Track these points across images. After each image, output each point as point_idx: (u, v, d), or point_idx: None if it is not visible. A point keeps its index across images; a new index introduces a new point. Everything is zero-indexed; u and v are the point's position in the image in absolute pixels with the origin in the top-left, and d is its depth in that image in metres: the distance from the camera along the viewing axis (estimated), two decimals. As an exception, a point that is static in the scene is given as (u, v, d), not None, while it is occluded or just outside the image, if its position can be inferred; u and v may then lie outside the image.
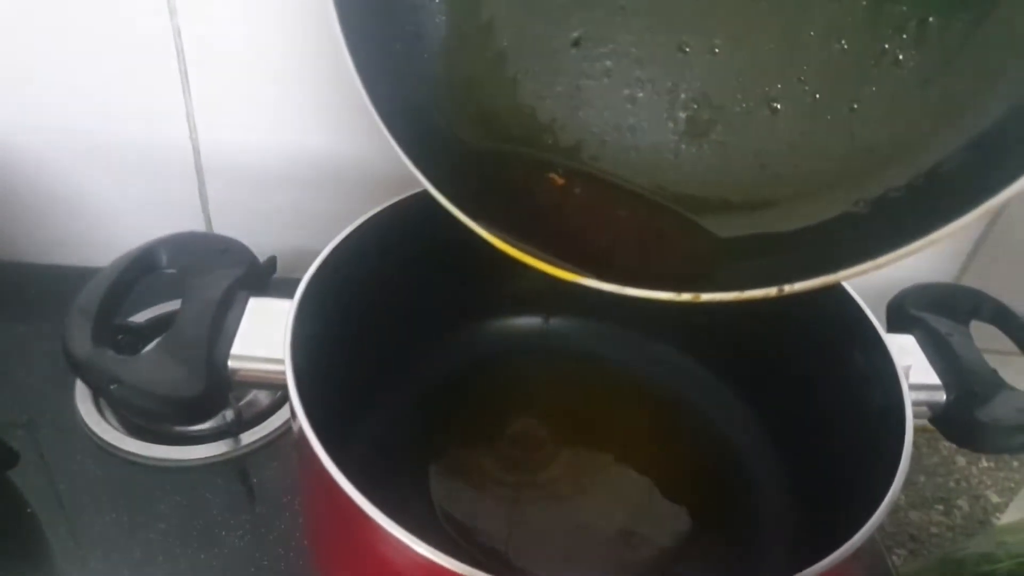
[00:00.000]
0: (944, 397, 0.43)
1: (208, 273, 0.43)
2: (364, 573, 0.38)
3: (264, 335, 0.41)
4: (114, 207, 0.66)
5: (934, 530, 0.70)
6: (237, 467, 0.56)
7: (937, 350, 0.45)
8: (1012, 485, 0.72)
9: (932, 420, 0.44)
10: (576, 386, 0.57)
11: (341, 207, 0.45)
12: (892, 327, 0.47)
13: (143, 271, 0.43)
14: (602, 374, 0.58)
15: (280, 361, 0.39)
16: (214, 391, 0.39)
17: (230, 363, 0.41)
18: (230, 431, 0.57)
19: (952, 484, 0.73)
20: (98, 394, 0.41)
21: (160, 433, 0.56)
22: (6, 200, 0.65)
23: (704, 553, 0.48)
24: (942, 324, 0.46)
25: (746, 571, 0.47)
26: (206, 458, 0.55)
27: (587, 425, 0.54)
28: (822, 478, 0.46)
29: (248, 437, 0.57)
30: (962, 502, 0.71)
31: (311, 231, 0.43)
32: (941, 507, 0.71)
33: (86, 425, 0.56)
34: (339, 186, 0.64)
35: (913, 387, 0.42)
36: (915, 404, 0.41)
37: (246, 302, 0.43)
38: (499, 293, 0.56)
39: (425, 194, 0.47)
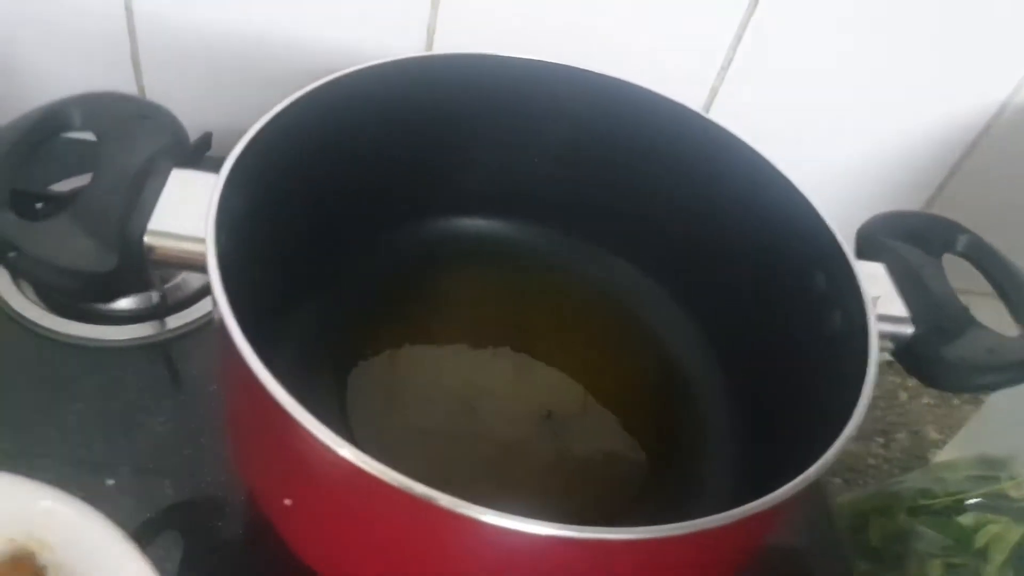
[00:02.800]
0: (911, 330, 0.41)
1: (129, 139, 0.39)
2: (282, 473, 0.36)
3: (187, 210, 0.37)
4: (41, 70, 0.60)
5: (871, 461, 0.70)
6: (161, 351, 0.53)
7: (907, 281, 0.43)
8: (952, 423, 0.72)
9: (895, 353, 0.42)
10: (518, 294, 0.54)
11: (282, 85, 0.41)
12: (861, 254, 0.45)
13: (53, 130, 0.38)
14: (546, 283, 0.55)
15: (202, 240, 0.35)
16: (126, 268, 0.36)
17: (147, 239, 0.37)
18: (156, 314, 0.53)
19: (893, 418, 0.73)
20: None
21: (80, 310, 0.52)
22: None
23: (647, 480, 0.46)
24: (914, 255, 0.44)
25: (691, 500, 0.45)
26: (129, 340, 0.52)
27: (526, 334, 0.52)
28: (776, 406, 0.45)
29: (174, 321, 0.54)
30: (902, 436, 0.72)
31: (249, 110, 0.39)
32: (881, 439, 0.71)
33: (2, 299, 0.52)
34: (279, 63, 0.60)
35: (879, 318, 0.40)
36: (880, 336, 0.39)
37: (168, 173, 0.38)
38: (444, 189, 0.53)
39: (368, 72, 0.44)
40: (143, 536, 0.43)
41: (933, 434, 0.72)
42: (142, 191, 0.38)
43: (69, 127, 0.39)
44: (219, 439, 0.48)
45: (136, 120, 0.40)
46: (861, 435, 0.71)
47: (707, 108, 0.61)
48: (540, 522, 0.28)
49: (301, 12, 0.58)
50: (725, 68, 0.59)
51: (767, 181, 0.45)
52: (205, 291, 0.55)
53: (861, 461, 0.71)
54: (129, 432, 0.48)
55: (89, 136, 0.40)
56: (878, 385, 0.73)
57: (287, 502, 0.35)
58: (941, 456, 0.69)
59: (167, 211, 0.38)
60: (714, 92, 0.60)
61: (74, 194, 0.55)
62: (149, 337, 0.53)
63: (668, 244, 0.52)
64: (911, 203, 0.66)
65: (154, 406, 0.49)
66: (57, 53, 0.60)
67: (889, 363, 0.43)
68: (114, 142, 0.39)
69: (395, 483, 0.28)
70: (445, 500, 0.28)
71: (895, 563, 0.52)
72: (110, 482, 0.45)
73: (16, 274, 0.35)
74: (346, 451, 0.29)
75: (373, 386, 0.48)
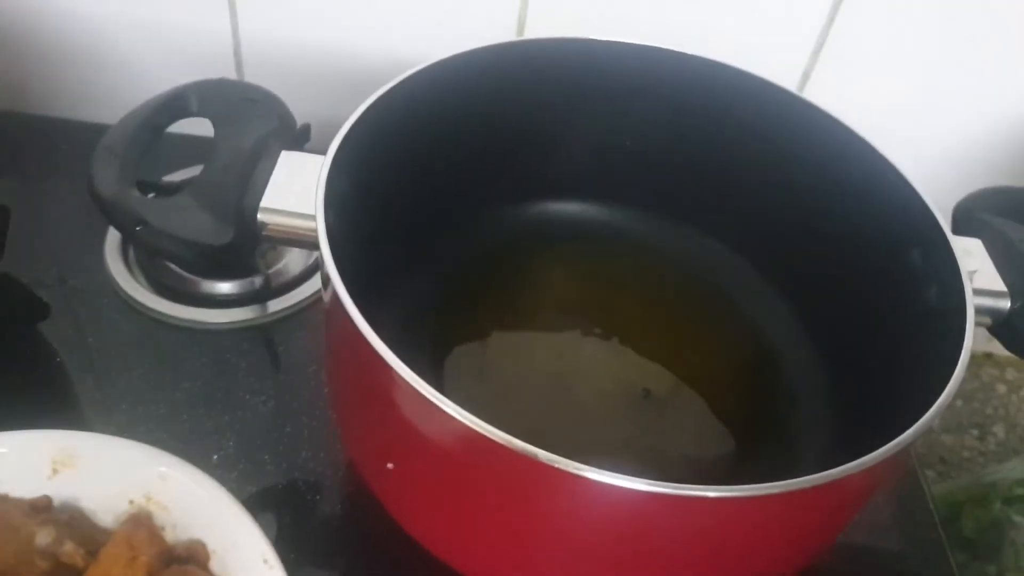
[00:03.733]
0: (1008, 305, 0.41)
1: (240, 122, 0.41)
2: (385, 436, 0.37)
3: (296, 189, 0.39)
4: (146, 62, 0.64)
5: (966, 454, 0.69)
6: (263, 334, 0.55)
7: (1005, 256, 0.42)
8: (1050, 414, 0.70)
9: (992, 328, 0.42)
10: (611, 276, 0.55)
11: (377, 79, 0.43)
12: (958, 230, 0.44)
13: (173, 115, 0.41)
14: (639, 265, 0.55)
15: (311, 217, 0.37)
16: (242, 242, 0.38)
17: (259, 216, 0.39)
18: (258, 297, 0.56)
19: (990, 411, 0.71)
20: (124, 236, 0.40)
21: (188, 294, 0.55)
22: (32, 52, 0.64)
23: (740, 459, 0.47)
24: (1012, 229, 0.43)
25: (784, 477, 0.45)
26: (233, 322, 0.54)
27: (619, 316, 0.52)
28: (870, 384, 0.44)
29: (275, 305, 0.56)
30: (998, 429, 0.70)
31: (346, 103, 0.41)
32: (976, 432, 0.70)
33: (115, 283, 0.55)
34: (370, 60, 0.62)
35: (976, 292, 0.39)
36: (977, 311, 0.38)
37: (278, 154, 0.41)
38: (538, 173, 0.54)
39: (461, 58, 0.46)
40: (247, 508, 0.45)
41: None
42: (254, 171, 0.40)
43: (187, 112, 0.42)
44: (318, 418, 0.50)
45: (247, 104, 0.42)
46: (956, 427, 0.70)
47: (800, 91, 0.61)
48: (639, 479, 0.29)
49: (390, 9, 0.60)
50: (817, 51, 0.58)
51: (862, 158, 0.45)
52: (304, 276, 0.58)
53: (955, 454, 0.69)
54: (233, 410, 0.50)
55: (202, 125, 0.42)
56: (975, 377, 0.71)
57: (389, 466, 0.37)
58: (1040, 446, 0.67)
59: (278, 190, 0.39)
60: (806, 76, 0.60)
61: (187, 182, 0.59)
62: (251, 320, 0.55)
63: (762, 223, 0.52)
64: (1010, 182, 0.64)
65: (257, 385, 0.52)
66: (162, 57, 0.63)
67: (987, 355, 0.42)
68: (227, 125, 0.41)
69: (496, 438, 0.30)
70: (545, 455, 0.29)
71: (991, 553, 0.51)
72: (215, 457, 0.48)
73: (143, 246, 0.37)
74: (448, 407, 0.30)
75: (470, 365, 0.49)
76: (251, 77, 0.64)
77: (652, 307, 0.53)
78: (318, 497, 0.47)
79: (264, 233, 0.39)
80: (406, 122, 0.44)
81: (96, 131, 0.40)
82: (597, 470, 0.29)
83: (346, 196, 0.40)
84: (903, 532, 0.51)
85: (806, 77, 0.60)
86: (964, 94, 0.60)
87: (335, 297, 0.34)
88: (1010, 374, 0.64)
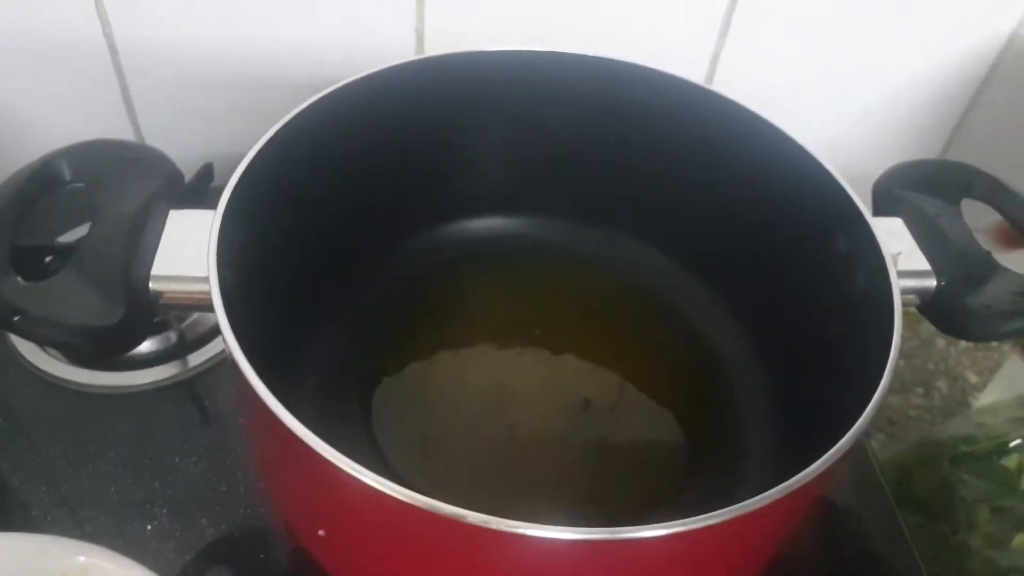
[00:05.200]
0: (934, 283, 0.40)
1: (121, 184, 0.39)
2: (312, 505, 0.35)
3: (189, 251, 0.36)
4: (31, 117, 0.60)
5: (912, 413, 0.69)
6: (187, 390, 0.52)
7: (926, 233, 0.41)
8: (991, 365, 0.70)
9: (920, 308, 0.41)
10: (540, 289, 0.53)
11: (278, 103, 0.40)
12: (879, 210, 0.44)
13: (44, 187, 0.38)
14: (567, 274, 0.54)
15: (206, 279, 0.34)
16: (135, 317, 0.35)
17: (152, 285, 0.36)
18: (176, 353, 0.53)
19: (931, 366, 0.71)
20: (2, 328, 0.38)
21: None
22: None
23: (688, 460, 0.46)
24: (931, 204, 0.43)
25: (734, 477, 0.45)
26: (153, 383, 0.51)
27: (553, 328, 0.51)
28: (808, 375, 0.44)
29: (196, 358, 0.53)
30: (941, 383, 0.70)
31: (249, 132, 0.39)
32: (920, 390, 0.70)
33: (19, 355, 0.52)
34: (271, 81, 0.59)
35: (902, 274, 0.38)
36: (903, 292, 0.38)
37: (166, 215, 0.38)
38: (453, 192, 0.52)
39: (360, 83, 0.43)
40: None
41: (973, 378, 0.70)
42: (142, 236, 0.37)
43: (60, 181, 0.39)
44: (254, 472, 0.48)
45: (127, 164, 0.40)
46: (900, 388, 0.70)
47: (710, 78, 0.60)
48: (572, 528, 0.28)
49: (286, 26, 0.57)
50: (724, 33, 0.57)
51: (777, 147, 0.44)
52: (222, 325, 0.55)
53: (902, 414, 0.70)
54: (163, 475, 0.47)
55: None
56: (915, 335, 0.72)
57: (321, 533, 0.35)
58: (981, 400, 0.67)
59: (170, 254, 0.37)
60: (715, 59, 0.59)
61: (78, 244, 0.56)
62: (172, 377, 0.52)
63: (684, 221, 0.51)
64: (928, 152, 0.64)
65: (186, 446, 0.49)
66: (46, 103, 0.60)
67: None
68: (107, 190, 0.38)
69: (422, 505, 0.28)
70: (474, 517, 0.28)
71: (943, 513, 0.51)
72: (149, 527, 0.45)
73: (26, 337, 0.34)
74: (368, 478, 0.29)
75: (401, 399, 0.47)
76: (144, 122, 0.61)
77: (584, 316, 0.52)
78: (262, 556, 0.45)
79: (161, 303, 0.37)
80: (305, 158, 0.42)
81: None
82: (527, 525, 0.28)
83: (245, 249, 0.38)
84: (853, 499, 0.51)
85: (715, 61, 0.59)
86: (873, 64, 0.59)
87: (237, 368, 0.31)
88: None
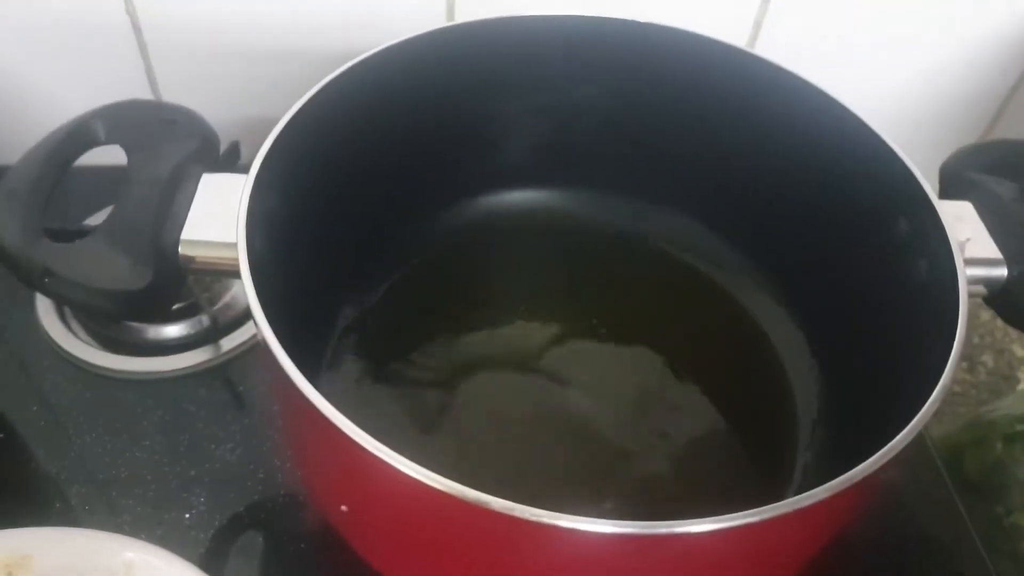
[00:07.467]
0: (1005, 273, 0.37)
1: (156, 147, 0.38)
2: (334, 480, 0.35)
3: (221, 216, 0.35)
4: (54, 97, 0.59)
5: (957, 388, 0.66)
6: (220, 375, 0.51)
7: (999, 218, 0.39)
8: (1039, 335, 0.67)
9: (987, 299, 0.39)
10: (578, 263, 0.51)
11: (303, 78, 0.39)
12: (946, 193, 0.41)
13: (80, 146, 0.37)
14: (606, 248, 0.52)
15: (235, 246, 0.33)
16: (164, 282, 0.35)
17: (182, 250, 0.36)
18: (208, 337, 0.52)
19: (976, 340, 0.68)
20: (30, 288, 0.37)
21: (133, 344, 0.51)
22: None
23: (740, 452, 0.44)
24: (1005, 188, 0.40)
25: (785, 472, 0.43)
26: (185, 368, 0.50)
27: (595, 309, 0.49)
28: (859, 364, 0.42)
29: (228, 343, 0.52)
30: (986, 358, 0.68)
31: (276, 110, 0.37)
32: (965, 364, 0.67)
33: (52, 341, 0.51)
34: (299, 53, 0.57)
35: (969, 262, 0.36)
36: (971, 281, 0.35)
37: (198, 179, 0.37)
38: (487, 163, 0.50)
39: (390, 51, 0.42)
40: (223, 559, 0.42)
41: (1019, 351, 0.67)
42: (174, 200, 0.36)
43: (95, 141, 0.38)
44: (291, 459, 0.46)
45: (162, 126, 0.39)
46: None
47: (751, 43, 0.57)
48: (597, 520, 0.26)
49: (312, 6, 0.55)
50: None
51: (829, 119, 0.42)
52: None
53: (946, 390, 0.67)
54: (200, 463, 0.46)
55: (116, 152, 0.39)
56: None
57: (343, 508, 0.34)
58: (1028, 373, 0.65)
59: (201, 218, 0.36)
60: (757, 25, 0.56)
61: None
62: (205, 362, 0.51)
63: (732, 197, 0.49)
64: (975, 127, 0.60)
65: (221, 433, 0.48)
66: (66, 79, 0.58)
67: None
68: (141, 152, 0.38)
69: (445, 488, 0.27)
70: (497, 504, 0.26)
71: (997, 494, 0.50)
72: (187, 516, 0.44)
73: (55, 299, 0.34)
74: (388, 456, 0.27)
75: (435, 376, 0.46)
76: (168, 95, 0.60)
77: (629, 297, 0.50)
78: (302, 546, 0.43)
79: (191, 268, 0.36)
80: (338, 127, 0.41)
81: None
82: (549, 514, 0.26)
83: (276, 216, 0.37)
84: (907, 480, 0.48)
85: (757, 27, 0.56)
86: (921, 34, 0.56)
87: (265, 344, 0.31)
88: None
